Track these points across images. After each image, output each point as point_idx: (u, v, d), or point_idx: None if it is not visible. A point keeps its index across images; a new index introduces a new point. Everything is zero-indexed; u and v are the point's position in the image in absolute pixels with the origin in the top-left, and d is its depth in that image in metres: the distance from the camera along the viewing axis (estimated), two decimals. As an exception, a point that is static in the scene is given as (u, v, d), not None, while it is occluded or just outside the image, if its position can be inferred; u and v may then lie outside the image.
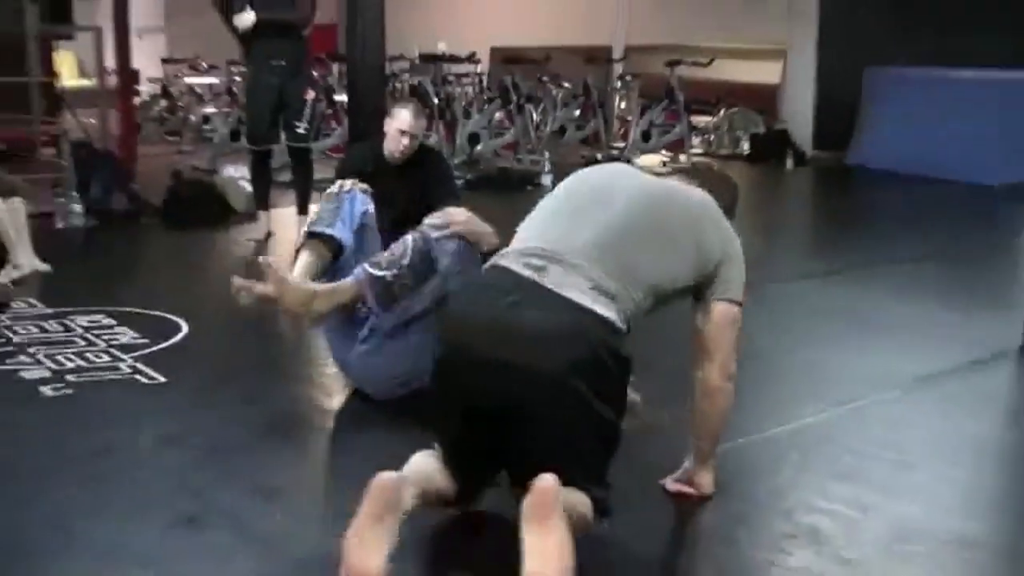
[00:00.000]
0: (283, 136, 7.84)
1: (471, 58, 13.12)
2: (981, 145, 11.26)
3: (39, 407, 4.31)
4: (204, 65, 14.65)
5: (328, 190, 4.54)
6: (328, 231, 4.36)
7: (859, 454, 3.86)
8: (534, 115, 12.43)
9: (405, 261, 4.00)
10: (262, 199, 7.96)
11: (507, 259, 3.03)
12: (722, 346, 3.21)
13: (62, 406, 4.31)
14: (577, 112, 12.79)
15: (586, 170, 3.39)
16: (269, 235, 7.88)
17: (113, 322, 5.52)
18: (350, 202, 4.43)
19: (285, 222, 8.07)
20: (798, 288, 6.57)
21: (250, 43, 7.72)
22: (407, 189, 5.25)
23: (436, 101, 10.85)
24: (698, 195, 3.32)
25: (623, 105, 13.54)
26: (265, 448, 3.83)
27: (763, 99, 13.44)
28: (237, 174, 9.01)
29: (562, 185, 3.31)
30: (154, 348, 5.06)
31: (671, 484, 3.41)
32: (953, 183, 10.92)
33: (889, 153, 11.85)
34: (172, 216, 8.58)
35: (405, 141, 5.34)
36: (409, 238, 4.07)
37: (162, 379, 4.59)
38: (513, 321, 2.81)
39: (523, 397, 2.75)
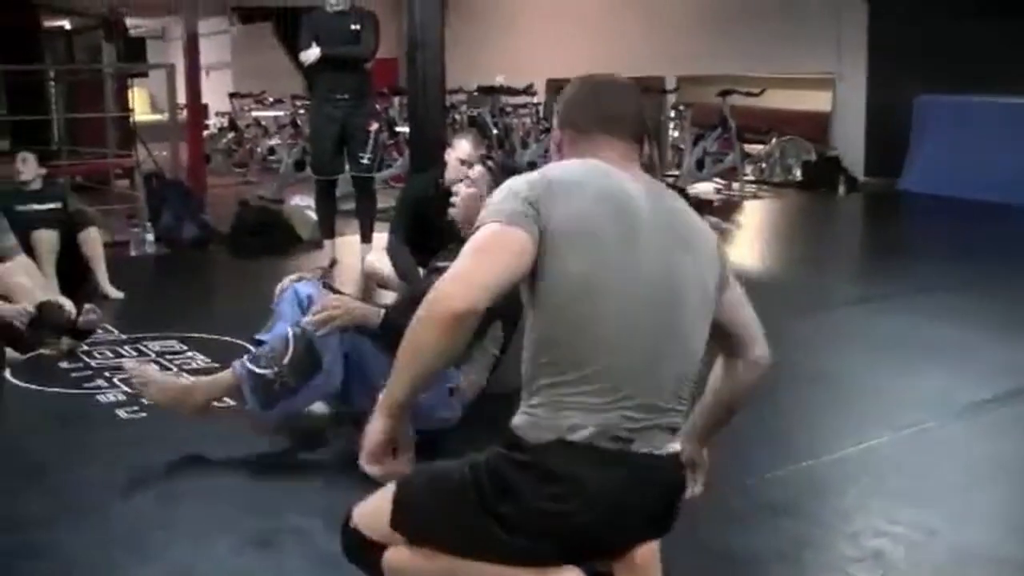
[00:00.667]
0: (347, 166, 7.83)
1: (528, 90, 13.13)
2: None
3: (115, 429, 4.32)
4: (270, 99, 14.76)
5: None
6: (259, 336, 4.28)
7: (923, 478, 3.77)
8: (589, 144, 12.41)
9: (285, 360, 3.79)
10: (327, 227, 7.96)
11: (582, 432, 2.20)
12: (754, 320, 2.58)
13: (136, 428, 4.32)
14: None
15: (609, 233, 2.25)
16: (334, 263, 7.88)
17: (185, 347, 5.53)
18: (289, 300, 4.34)
19: (349, 250, 8.07)
20: (853, 313, 6.46)
21: (315, 77, 7.74)
22: None
23: (495, 131, 10.83)
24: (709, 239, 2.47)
25: (676, 134, 13.47)
26: (336, 471, 3.78)
27: (814, 127, 13.32)
28: (303, 203, 9.03)
29: (598, 260, 2.24)
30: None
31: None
32: (1005, 208, 10.73)
33: (941, 179, 11.68)
34: (239, 244, 8.62)
35: (465, 170, 5.29)
36: (290, 332, 3.85)
37: (231, 402, 4.56)
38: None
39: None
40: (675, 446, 2.32)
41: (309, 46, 7.52)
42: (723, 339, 2.52)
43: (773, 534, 3.30)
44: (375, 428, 2.27)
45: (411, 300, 3.42)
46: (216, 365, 5.13)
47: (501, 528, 2.19)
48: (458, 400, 4.06)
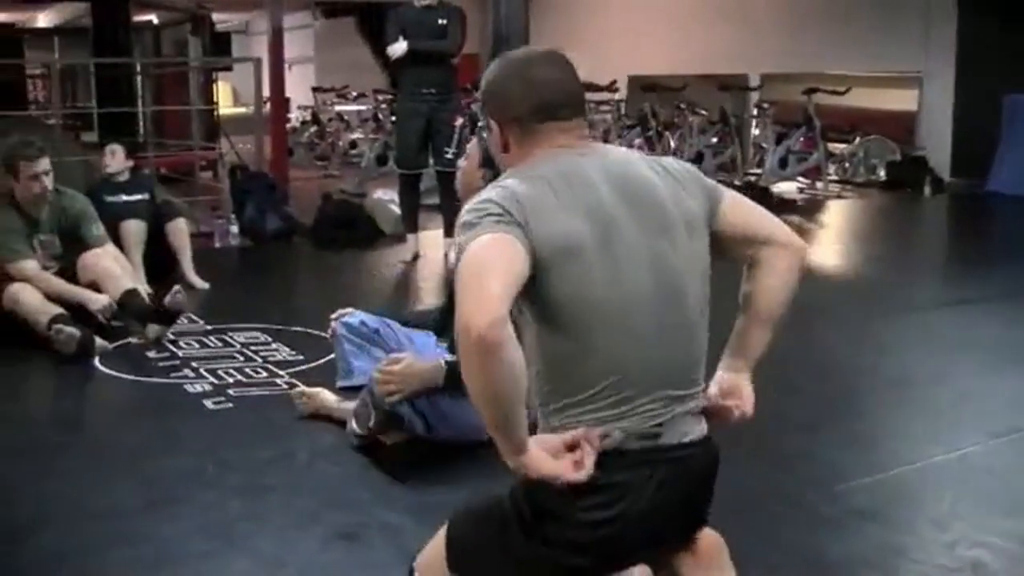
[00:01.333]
0: (431, 161, 7.84)
1: (610, 86, 13.06)
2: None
3: (202, 419, 4.35)
4: (353, 93, 14.83)
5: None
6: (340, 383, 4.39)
7: (1020, 486, 3.67)
8: (671, 142, 12.31)
9: (371, 424, 3.81)
10: (411, 222, 7.97)
11: (607, 440, 2.12)
12: (766, 215, 2.36)
13: (223, 419, 4.35)
14: (715, 139, 12.60)
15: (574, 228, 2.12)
16: (417, 256, 7.89)
17: (269, 339, 5.56)
18: (350, 339, 4.37)
19: (432, 244, 8.07)
20: (941, 316, 6.33)
21: (401, 72, 7.74)
22: None
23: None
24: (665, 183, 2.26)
25: (758, 132, 13.34)
26: (423, 466, 3.77)
27: (899, 126, 13.11)
28: (385, 197, 9.05)
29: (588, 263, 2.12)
30: (309, 365, 5.07)
31: (711, 402, 2.34)
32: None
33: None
34: (322, 237, 8.66)
35: None
36: (368, 399, 3.81)
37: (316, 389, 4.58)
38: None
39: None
40: (703, 428, 2.25)
41: (396, 40, 7.52)
42: (743, 248, 2.32)
43: (864, 541, 3.23)
44: (533, 470, 2.05)
45: None
46: (300, 357, 5.17)
47: (551, 550, 2.14)
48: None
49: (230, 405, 4.48)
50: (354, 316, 4.32)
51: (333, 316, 4.41)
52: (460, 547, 2.27)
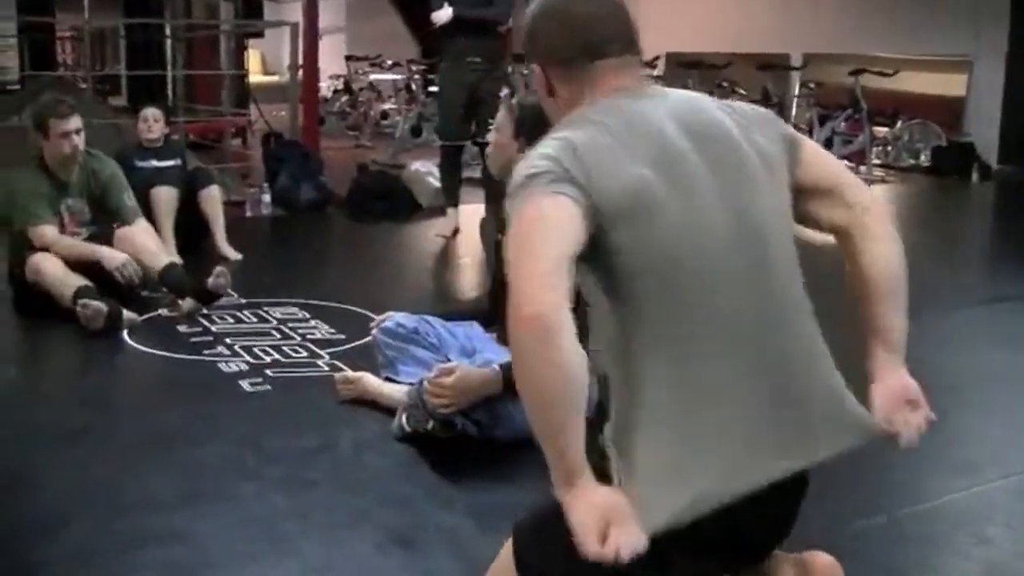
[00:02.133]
0: (475, 132, 7.50)
1: (651, 63, 12.67)
2: None
3: (239, 402, 4.04)
4: (389, 62, 14.48)
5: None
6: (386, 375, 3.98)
7: None
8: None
9: (429, 427, 3.44)
10: (452, 195, 7.63)
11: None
12: (850, 173, 2.10)
13: (261, 402, 4.04)
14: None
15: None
16: (457, 231, 7.56)
17: (307, 315, 5.24)
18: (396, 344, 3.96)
19: (474, 218, 7.72)
20: (990, 312, 5.95)
21: (446, 40, 7.37)
22: None
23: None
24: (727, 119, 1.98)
25: (806, 114, 12.96)
26: (478, 462, 3.45)
27: (947, 111, 12.69)
28: (423, 169, 8.72)
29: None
30: (350, 345, 4.75)
31: (883, 426, 1.96)
32: None
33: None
34: (357, 208, 8.34)
35: None
36: (421, 404, 3.44)
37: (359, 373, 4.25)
38: None
39: None
40: None
41: (441, 6, 7.18)
42: (826, 208, 2.05)
43: (964, 562, 2.90)
44: (574, 521, 1.68)
45: None
46: (341, 336, 4.87)
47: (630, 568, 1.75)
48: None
49: (268, 387, 4.17)
50: (391, 320, 3.98)
51: (372, 325, 4.05)
52: (531, 564, 1.95)
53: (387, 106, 14.11)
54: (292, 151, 8.72)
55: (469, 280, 6.52)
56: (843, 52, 12.73)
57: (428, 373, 3.71)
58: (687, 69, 12.77)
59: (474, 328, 3.99)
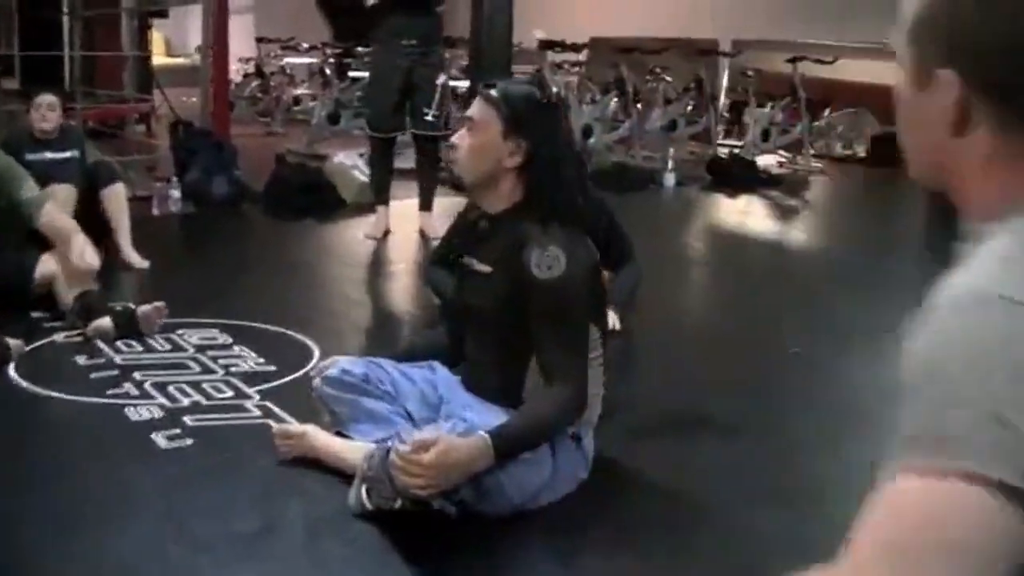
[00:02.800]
0: (409, 122, 6.68)
1: (577, 48, 11.87)
2: None
3: (154, 464, 3.20)
4: (304, 45, 13.50)
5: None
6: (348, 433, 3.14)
7: None
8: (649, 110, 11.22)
9: (397, 505, 2.68)
10: (382, 192, 6.79)
11: None
12: None
13: (182, 464, 3.20)
14: (689, 107, 11.53)
15: None
16: (388, 232, 6.75)
17: (229, 339, 4.41)
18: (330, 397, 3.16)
19: (405, 218, 6.92)
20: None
21: (379, 20, 6.51)
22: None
23: (555, 90, 9.63)
24: None
25: (725, 101, 12.33)
26: (459, 543, 2.67)
27: (883, 99, 12.13)
28: (348, 161, 7.87)
29: None
30: (285, 379, 3.95)
31: None
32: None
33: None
34: (276, 203, 7.51)
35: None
36: (386, 478, 2.66)
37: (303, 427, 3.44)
38: None
39: None
40: None
41: (373, -18, 6.36)
42: None
43: None
44: None
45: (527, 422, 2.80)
46: (271, 367, 4.04)
47: None
48: (586, 444, 3.02)
49: (189, 441, 3.33)
50: (334, 367, 3.16)
51: (312, 374, 3.24)
52: None
53: (300, 91, 13.17)
54: (203, 141, 7.81)
55: (405, 291, 5.72)
56: (776, 39, 12.13)
57: (386, 431, 2.94)
58: (621, 54, 12.00)
59: (435, 370, 3.22)
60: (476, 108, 2.96)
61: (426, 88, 6.50)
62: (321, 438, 3.13)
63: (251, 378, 3.93)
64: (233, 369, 4.03)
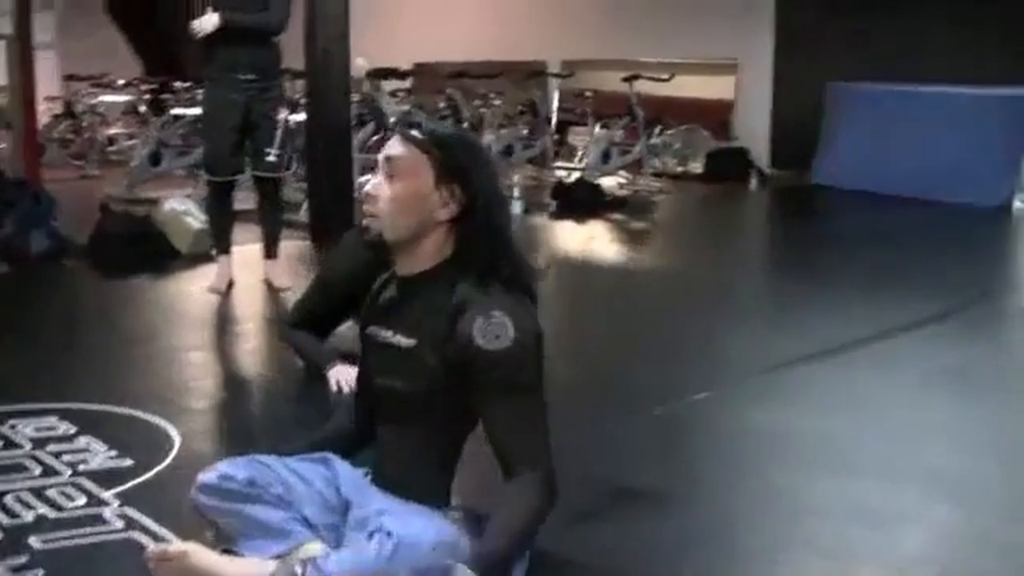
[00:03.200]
0: (249, 164, 6.12)
1: (403, 74, 11.36)
2: (956, 163, 10.03)
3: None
4: (120, 81, 12.66)
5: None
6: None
7: None
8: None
9: None
10: (223, 241, 6.17)
11: None
12: None
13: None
14: (525, 131, 11.17)
15: None
16: (232, 284, 6.14)
17: (72, 429, 3.77)
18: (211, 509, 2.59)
19: (248, 267, 6.33)
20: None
21: (211, 53, 5.90)
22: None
23: (393, 120, 9.13)
24: None
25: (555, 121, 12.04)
26: None
27: (717, 115, 12.03)
28: (180, 207, 7.21)
29: None
30: (146, 475, 3.35)
31: None
32: (935, 204, 9.66)
33: (859, 172, 10.51)
34: (102, 258, 6.82)
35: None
36: None
37: (173, 537, 2.87)
38: None
39: None
40: None
41: (202, 12, 5.75)
42: None
43: None
44: None
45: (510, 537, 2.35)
46: (127, 462, 3.45)
47: None
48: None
49: (40, 573, 2.72)
50: (212, 473, 2.61)
51: (195, 483, 2.67)
52: None
53: (114, 131, 12.36)
54: (19, 192, 7.04)
55: (261, 352, 5.14)
56: (610, 58, 11.91)
57: (283, 544, 2.45)
58: (446, 80, 11.57)
59: (331, 466, 2.69)
60: (399, 150, 2.49)
61: (266, 125, 5.94)
62: (205, 559, 2.57)
63: (105, 478, 3.32)
64: (82, 468, 3.40)
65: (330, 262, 4.49)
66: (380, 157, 2.52)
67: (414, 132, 2.49)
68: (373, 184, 2.51)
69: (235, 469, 2.59)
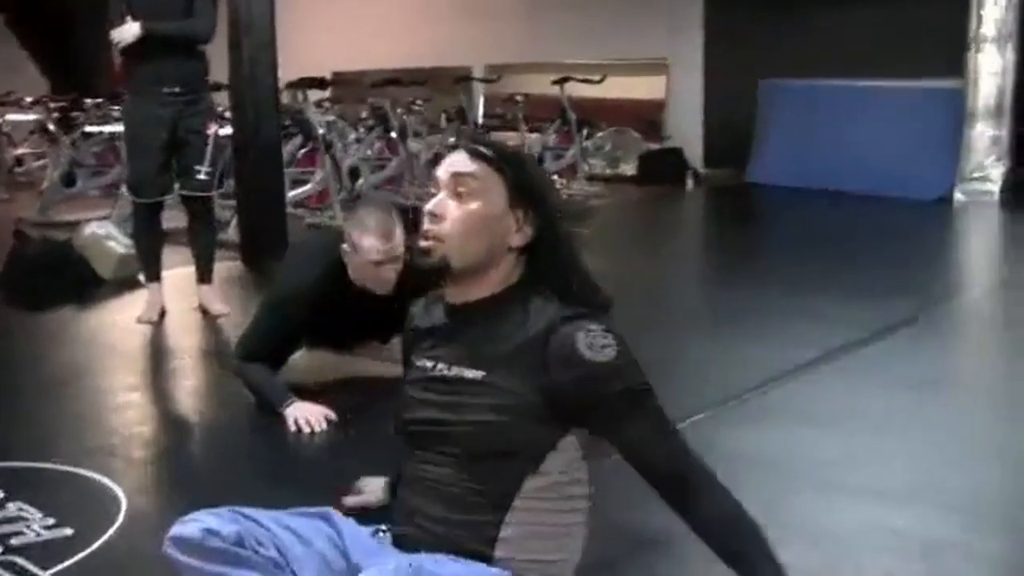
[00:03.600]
0: (177, 183, 5.65)
1: (323, 83, 10.89)
2: (892, 157, 9.90)
3: None
4: (27, 99, 12.03)
5: None
6: None
7: None
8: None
9: None
10: (152, 267, 5.68)
11: None
12: None
13: None
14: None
15: None
16: (164, 313, 5.67)
17: (2, 495, 3.29)
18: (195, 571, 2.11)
19: (180, 293, 5.86)
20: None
21: (132, 66, 5.43)
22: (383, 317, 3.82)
23: (321, 132, 8.68)
24: None
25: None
26: None
27: (647, 116, 11.76)
28: (101, 231, 6.70)
29: None
30: (91, 547, 2.89)
31: None
32: (874, 199, 9.51)
33: (795, 169, 10.34)
34: (19, 290, 6.30)
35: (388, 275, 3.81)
36: None
37: None
38: None
39: None
40: None
41: (121, 21, 5.27)
42: None
43: None
44: None
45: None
46: (67, 532, 2.98)
47: None
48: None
49: None
50: (193, 526, 2.16)
51: (169, 535, 2.21)
52: None
53: (22, 151, 11.76)
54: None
55: (205, 389, 4.68)
56: (538, 61, 11.59)
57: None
58: (371, 89, 11.12)
59: (334, 521, 2.27)
60: (471, 167, 2.13)
61: (195, 141, 5.47)
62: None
63: (42, 553, 2.85)
64: (15, 542, 2.93)
65: (286, 284, 4.07)
66: (443, 173, 2.16)
67: (484, 148, 2.16)
68: (437, 203, 2.13)
69: (220, 523, 2.15)
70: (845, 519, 2.97)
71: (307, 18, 13.95)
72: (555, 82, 10.38)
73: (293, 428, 3.77)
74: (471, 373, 2.12)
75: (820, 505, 3.08)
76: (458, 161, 2.15)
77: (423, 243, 2.13)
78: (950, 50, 9.49)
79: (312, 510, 2.28)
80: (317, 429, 3.78)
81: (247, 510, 2.21)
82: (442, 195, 2.14)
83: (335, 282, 3.87)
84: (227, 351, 4.54)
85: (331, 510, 2.29)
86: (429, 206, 2.14)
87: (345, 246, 3.83)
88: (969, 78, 9.41)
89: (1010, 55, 9.34)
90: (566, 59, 11.41)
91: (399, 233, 3.77)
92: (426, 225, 2.14)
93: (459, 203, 2.12)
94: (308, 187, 8.54)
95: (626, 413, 2.07)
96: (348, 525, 2.25)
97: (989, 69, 9.37)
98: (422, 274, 2.19)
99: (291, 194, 8.15)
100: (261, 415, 3.94)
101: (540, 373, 2.06)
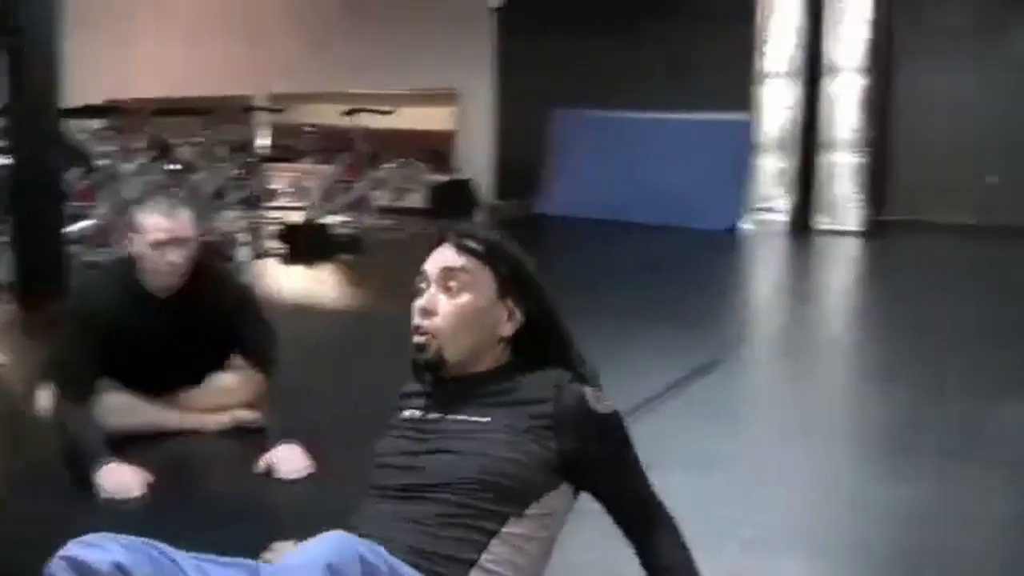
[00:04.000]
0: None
1: (109, 110, 10.28)
2: (680, 188, 10.07)
3: None
4: None
5: None
6: None
7: None
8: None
9: None
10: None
11: None
12: None
13: None
14: (237, 171, 10.30)
15: None
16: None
17: None
18: None
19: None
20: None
21: None
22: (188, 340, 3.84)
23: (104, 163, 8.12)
24: None
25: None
26: None
27: (438, 146, 11.62)
28: None
29: None
30: None
31: None
32: (663, 229, 9.62)
33: (586, 199, 10.37)
34: None
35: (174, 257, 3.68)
36: None
37: None
38: None
39: None
40: None
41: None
42: None
43: None
44: None
45: None
46: None
47: None
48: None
49: None
50: (94, 549, 1.80)
51: (62, 552, 1.85)
52: None
53: None
54: None
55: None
56: (325, 91, 11.30)
57: None
58: (151, 117, 10.54)
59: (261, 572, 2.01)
60: (460, 261, 2.22)
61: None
62: None
63: None
64: None
65: (79, 299, 4.04)
66: (432, 268, 2.23)
67: (472, 243, 2.24)
68: (428, 298, 2.21)
69: (133, 560, 1.82)
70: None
71: (87, 44, 13.25)
72: (345, 113, 10.11)
73: (104, 496, 3.41)
74: (474, 417, 2.17)
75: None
76: (447, 256, 2.22)
77: (417, 339, 2.20)
78: (740, 84, 9.72)
79: (237, 560, 2.02)
80: (131, 496, 3.43)
81: (163, 547, 1.90)
82: (432, 290, 2.20)
83: (128, 288, 3.77)
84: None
85: (257, 564, 2.06)
86: (420, 302, 2.21)
87: (131, 235, 3.75)
88: (757, 111, 9.66)
89: (799, 89, 9.65)
90: (354, 89, 11.17)
91: (188, 219, 3.75)
92: (418, 320, 2.21)
93: (449, 297, 2.19)
94: (89, 222, 7.98)
95: (622, 459, 2.21)
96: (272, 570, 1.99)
97: (780, 103, 9.67)
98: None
99: (68, 229, 7.59)
100: (61, 474, 3.55)
101: (547, 425, 2.13)
